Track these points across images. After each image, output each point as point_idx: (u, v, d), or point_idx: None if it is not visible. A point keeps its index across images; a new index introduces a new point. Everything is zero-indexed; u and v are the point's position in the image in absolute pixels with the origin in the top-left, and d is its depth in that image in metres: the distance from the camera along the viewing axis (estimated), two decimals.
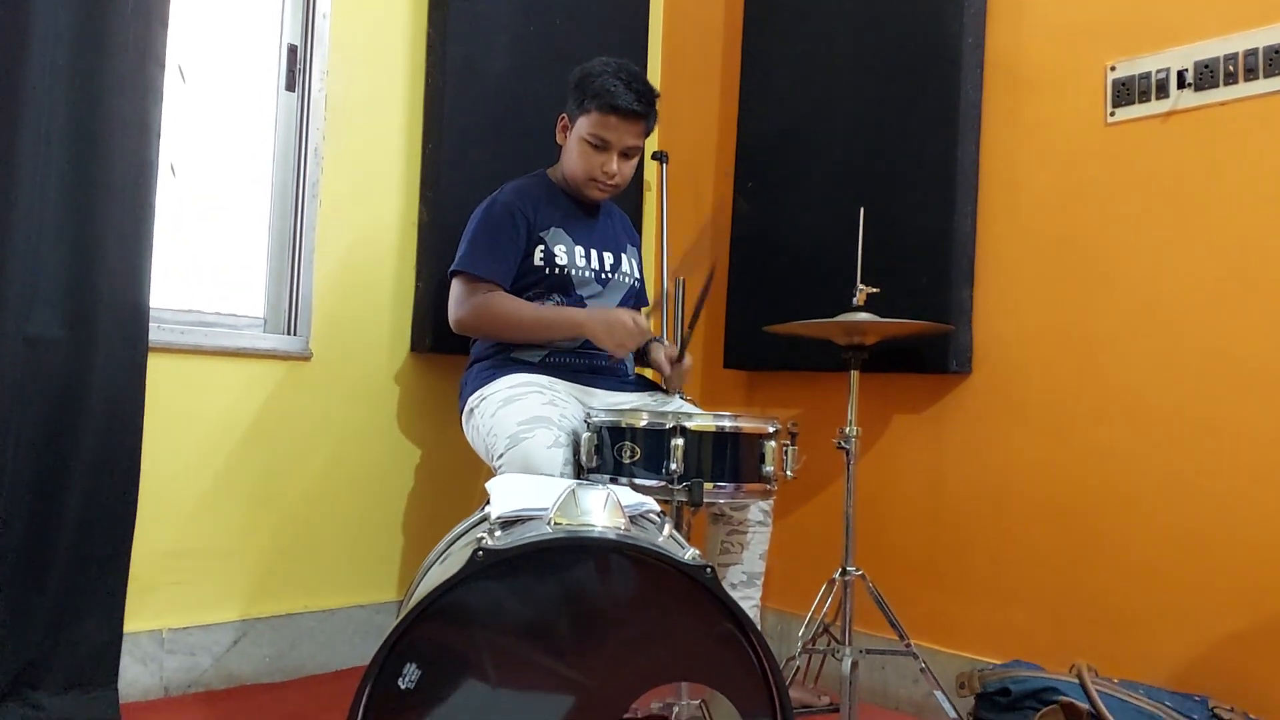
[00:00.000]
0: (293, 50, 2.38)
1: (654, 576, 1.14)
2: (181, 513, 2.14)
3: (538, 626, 1.11)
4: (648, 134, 2.19)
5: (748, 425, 1.81)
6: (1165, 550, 1.89)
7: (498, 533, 1.16)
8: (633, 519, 1.25)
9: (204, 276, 2.29)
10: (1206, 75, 1.89)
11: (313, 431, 2.35)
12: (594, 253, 2.22)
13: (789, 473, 1.87)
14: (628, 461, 1.78)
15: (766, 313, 2.36)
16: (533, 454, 1.85)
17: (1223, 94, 1.87)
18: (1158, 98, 1.96)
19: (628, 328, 2.01)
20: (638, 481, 1.75)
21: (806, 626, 2.04)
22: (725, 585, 1.41)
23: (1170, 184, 1.94)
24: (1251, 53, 1.83)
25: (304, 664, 2.31)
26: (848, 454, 2.01)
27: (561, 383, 2.11)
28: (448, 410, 2.42)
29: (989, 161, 2.22)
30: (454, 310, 2.15)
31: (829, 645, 2.03)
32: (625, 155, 2.16)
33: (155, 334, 2.04)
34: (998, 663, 2.00)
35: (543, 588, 1.12)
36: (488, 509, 1.37)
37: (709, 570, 1.13)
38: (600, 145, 2.13)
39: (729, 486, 1.79)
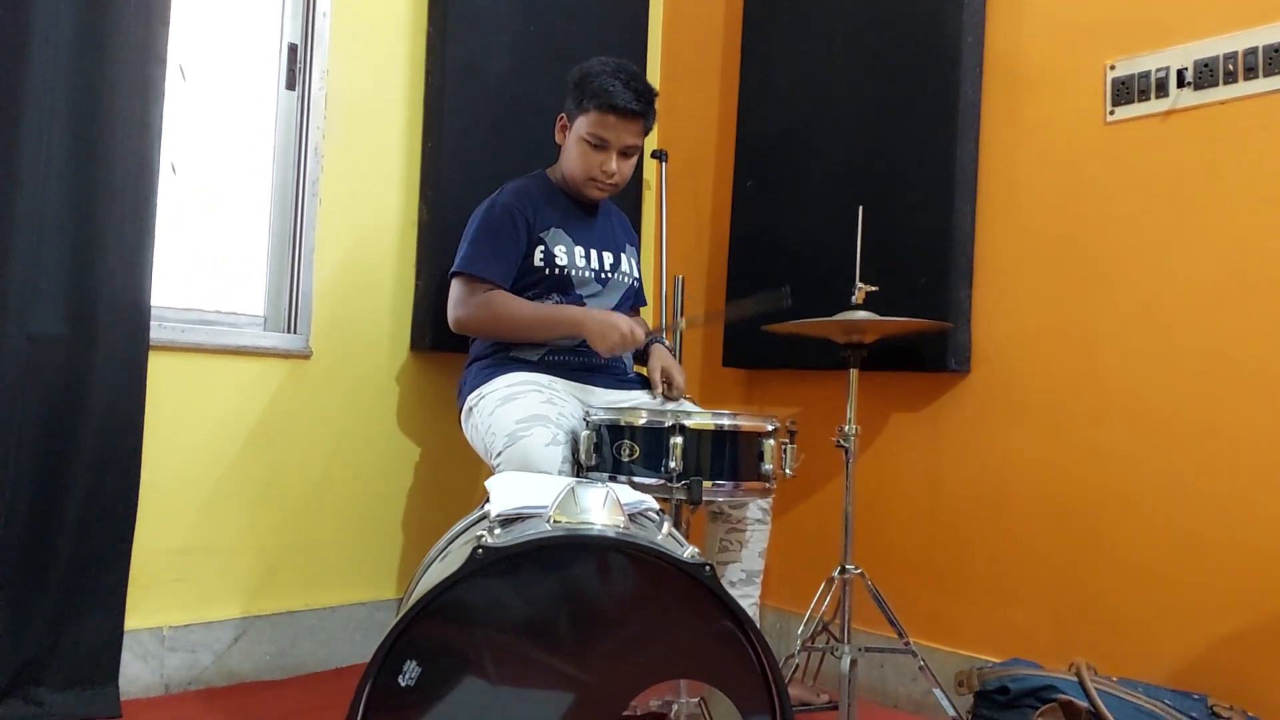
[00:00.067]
0: (293, 49, 2.38)
1: (653, 574, 1.14)
2: (182, 510, 2.14)
3: (537, 624, 1.11)
4: (646, 133, 2.19)
5: (747, 423, 1.81)
6: (1164, 550, 1.90)
7: (497, 530, 1.16)
8: (632, 517, 1.25)
9: (204, 275, 2.29)
10: (1206, 74, 1.89)
11: (313, 430, 2.35)
12: (593, 252, 2.23)
13: (788, 471, 1.88)
14: (627, 459, 1.78)
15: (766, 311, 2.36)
16: (531, 452, 1.85)
17: (1222, 93, 1.87)
18: (1157, 97, 1.96)
19: (622, 334, 2.01)
20: (637, 479, 1.76)
21: (805, 624, 2.04)
22: (724, 583, 1.41)
23: (1170, 183, 1.94)
24: (1251, 52, 1.83)
25: (304, 661, 2.32)
26: (846, 452, 2.01)
27: (560, 381, 2.12)
28: (447, 408, 2.42)
29: (988, 160, 2.22)
30: (454, 310, 2.15)
31: (828, 643, 2.03)
32: (624, 154, 2.16)
33: (156, 332, 2.05)
34: (996, 661, 2.00)
35: (542, 585, 1.12)
36: (487, 507, 1.37)
37: (708, 568, 1.13)
38: (599, 144, 2.13)
39: (728, 485, 1.80)
